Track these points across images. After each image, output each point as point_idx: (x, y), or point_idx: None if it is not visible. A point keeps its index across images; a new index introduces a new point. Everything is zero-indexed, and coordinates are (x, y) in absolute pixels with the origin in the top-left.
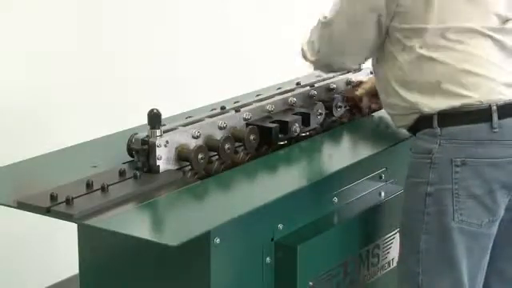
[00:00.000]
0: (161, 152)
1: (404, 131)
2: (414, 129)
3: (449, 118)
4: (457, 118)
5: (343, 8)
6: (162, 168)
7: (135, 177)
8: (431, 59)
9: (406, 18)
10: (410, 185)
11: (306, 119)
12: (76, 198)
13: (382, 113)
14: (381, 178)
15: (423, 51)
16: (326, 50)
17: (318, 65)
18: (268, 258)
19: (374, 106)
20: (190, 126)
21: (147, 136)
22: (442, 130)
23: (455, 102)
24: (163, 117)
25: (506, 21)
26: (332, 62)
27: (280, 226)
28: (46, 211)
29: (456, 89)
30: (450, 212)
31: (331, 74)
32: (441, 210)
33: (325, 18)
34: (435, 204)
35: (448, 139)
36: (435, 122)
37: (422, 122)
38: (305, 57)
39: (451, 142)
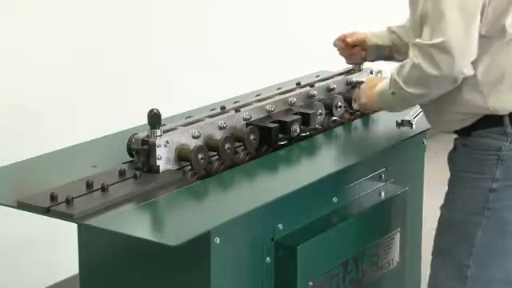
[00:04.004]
0: (161, 152)
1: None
2: (471, 128)
3: None
4: None
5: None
6: (162, 168)
7: (135, 177)
8: (506, 59)
9: (488, 18)
10: (468, 180)
11: (306, 119)
12: (76, 198)
13: (382, 113)
14: (381, 178)
15: (500, 51)
16: (446, 62)
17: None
18: (268, 258)
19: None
20: (190, 126)
21: (147, 136)
22: None
23: None
24: (163, 117)
25: None
26: (450, 75)
27: (280, 226)
28: (46, 211)
29: None
30: None
31: (330, 74)
32: (504, 205)
33: (419, 41)
34: (499, 200)
35: None
36: (507, 121)
37: (487, 121)
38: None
39: None
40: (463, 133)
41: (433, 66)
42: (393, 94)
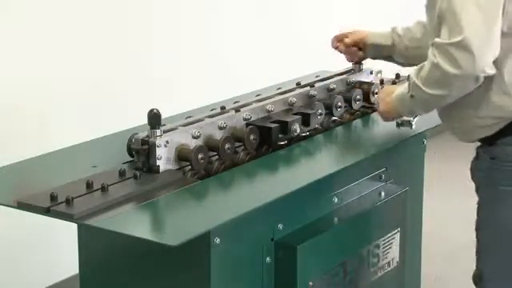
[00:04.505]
0: (161, 152)
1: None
2: (495, 136)
3: None
4: None
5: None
6: (162, 168)
7: (135, 177)
8: None
9: (509, 15)
10: (504, 194)
11: (306, 119)
12: (76, 198)
13: None
14: (381, 178)
15: None
16: (467, 62)
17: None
18: (268, 258)
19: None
20: (190, 126)
21: (147, 136)
22: None
23: None
24: (163, 117)
25: None
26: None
27: (280, 226)
28: (46, 211)
29: None
30: None
31: (330, 74)
32: None
33: (438, 40)
34: None
35: None
36: None
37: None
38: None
39: None
40: (487, 141)
41: (452, 65)
42: (412, 97)
